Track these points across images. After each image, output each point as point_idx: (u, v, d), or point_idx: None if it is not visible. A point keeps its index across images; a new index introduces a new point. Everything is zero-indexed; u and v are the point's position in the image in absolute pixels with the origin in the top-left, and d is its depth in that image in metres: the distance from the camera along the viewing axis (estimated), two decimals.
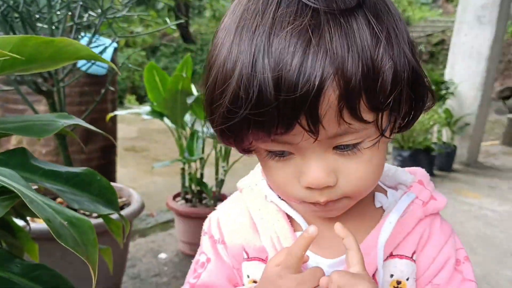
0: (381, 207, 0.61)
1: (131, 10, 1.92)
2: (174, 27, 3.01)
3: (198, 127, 2.55)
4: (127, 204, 2.06)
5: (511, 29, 9.82)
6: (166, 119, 2.48)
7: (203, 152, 2.50)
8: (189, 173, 2.56)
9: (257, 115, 0.44)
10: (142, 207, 2.01)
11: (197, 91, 2.61)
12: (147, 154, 5.41)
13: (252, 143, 0.50)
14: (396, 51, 0.46)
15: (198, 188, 2.56)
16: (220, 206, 0.69)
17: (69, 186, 0.95)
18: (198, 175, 2.57)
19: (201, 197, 2.61)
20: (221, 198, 2.65)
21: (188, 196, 2.61)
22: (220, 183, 2.58)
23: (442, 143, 4.79)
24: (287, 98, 0.43)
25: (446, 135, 4.87)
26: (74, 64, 1.86)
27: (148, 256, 2.54)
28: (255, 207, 0.63)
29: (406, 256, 0.58)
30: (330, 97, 0.43)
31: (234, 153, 2.61)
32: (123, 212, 1.89)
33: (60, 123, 0.94)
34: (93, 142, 3.12)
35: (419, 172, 0.65)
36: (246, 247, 0.62)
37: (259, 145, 0.50)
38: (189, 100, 2.13)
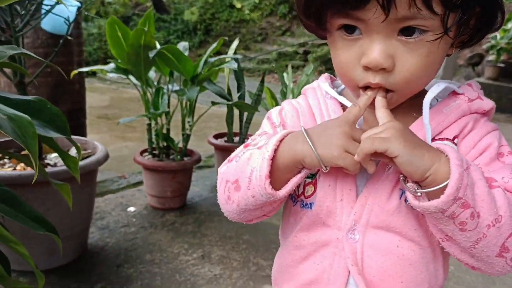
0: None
1: None
2: None
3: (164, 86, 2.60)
4: (91, 155, 2.12)
5: None
6: (131, 77, 2.51)
7: (168, 107, 2.55)
8: (156, 129, 2.61)
9: None
10: (106, 156, 2.06)
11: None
12: (117, 122, 5.40)
13: (328, 20, 0.56)
14: None
15: (165, 143, 2.62)
16: (285, 101, 0.74)
17: (20, 111, 1.00)
18: (165, 131, 2.62)
19: (168, 153, 2.68)
20: (187, 153, 2.73)
21: (155, 152, 2.67)
22: (186, 138, 2.64)
23: None
24: None
25: None
26: (35, 19, 1.88)
27: (117, 209, 2.61)
28: (315, 103, 0.69)
29: (448, 139, 0.61)
30: None
31: (198, 111, 2.65)
32: (87, 160, 1.95)
33: (6, 53, 0.98)
34: (60, 105, 3.13)
35: (471, 81, 0.67)
36: None
37: (335, 20, 0.56)
38: (151, 54, 2.16)
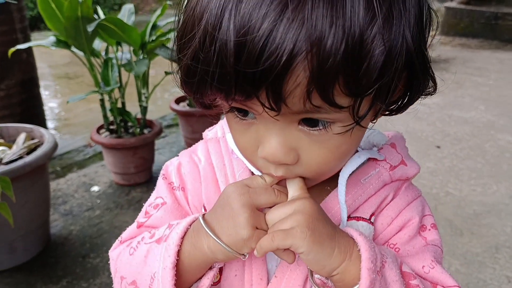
0: None
1: None
2: None
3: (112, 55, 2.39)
4: (39, 145, 1.98)
5: None
6: (75, 49, 2.30)
7: (120, 80, 2.37)
8: (111, 103, 2.45)
9: (215, 80, 0.39)
10: (55, 147, 1.93)
11: (104, 13, 2.41)
12: (81, 81, 5.14)
13: (215, 99, 0.45)
14: (395, 33, 0.38)
15: (121, 117, 2.48)
16: (183, 153, 0.64)
17: None
18: (120, 105, 2.47)
19: (127, 126, 2.54)
20: (148, 124, 2.60)
21: (113, 127, 2.53)
22: (143, 110, 2.50)
23: None
24: (247, 71, 0.37)
25: None
26: None
27: (80, 190, 2.52)
28: (219, 163, 0.59)
29: (364, 218, 0.54)
30: (299, 76, 0.37)
31: (153, 80, 2.49)
32: (34, 154, 1.82)
33: None
34: (9, 77, 2.91)
35: (395, 135, 0.60)
36: (206, 204, 0.58)
37: (222, 101, 0.45)
38: (90, 28, 1.96)
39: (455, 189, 2.49)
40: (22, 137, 2.01)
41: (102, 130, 2.53)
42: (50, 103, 4.51)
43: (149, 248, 0.52)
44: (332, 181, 0.53)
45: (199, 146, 0.63)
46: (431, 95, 0.48)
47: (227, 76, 0.38)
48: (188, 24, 0.41)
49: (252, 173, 0.56)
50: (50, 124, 3.74)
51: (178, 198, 0.60)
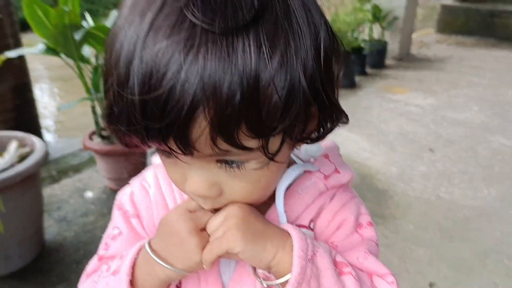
0: None
1: None
2: None
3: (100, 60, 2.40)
4: (30, 153, 1.99)
5: None
6: (64, 56, 2.31)
7: None
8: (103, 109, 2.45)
9: (129, 131, 0.41)
10: (45, 156, 1.94)
11: (94, 17, 2.42)
12: (76, 83, 5.11)
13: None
14: (291, 75, 0.40)
15: None
16: (134, 180, 0.66)
17: None
18: None
19: None
20: None
21: (105, 133, 2.54)
22: None
23: (374, 40, 4.79)
24: (153, 125, 0.39)
25: (376, 31, 4.84)
26: None
27: (74, 196, 2.53)
28: (167, 187, 0.61)
29: (303, 225, 0.57)
30: (201, 124, 0.39)
31: None
32: (25, 164, 1.84)
33: None
34: (1, 83, 2.92)
35: (328, 145, 0.63)
36: None
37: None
38: (77, 37, 1.97)
39: (446, 193, 2.50)
40: (13, 145, 2.02)
41: (95, 136, 2.55)
42: (48, 106, 4.51)
43: (107, 281, 0.55)
44: (273, 195, 0.56)
45: (148, 172, 0.65)
46: (346, 123, 0.50)
47: (137, 127, 0.40)
48: (107, 71, 0.43)
49: None
50: (47, 127, 3.75)
51: (134, 226, 0.62)
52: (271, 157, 0.43)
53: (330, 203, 0.58)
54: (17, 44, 2.93)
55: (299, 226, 0.56)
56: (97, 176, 2.73)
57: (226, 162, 0.45)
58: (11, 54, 2.28)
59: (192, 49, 0.37)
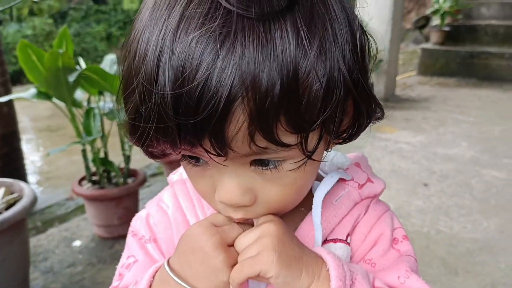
0: None
1: None
2: None
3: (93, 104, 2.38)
4: (19, 199, 1.91)
5: None
6: (55, 100, 2.28)
7: (102, 129, 2.34)
8: (94, 153, 2.40)
9: (158, 133, 0.38)
10: (34, 201, 1.87)
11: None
12: (63, 133, 5.08)
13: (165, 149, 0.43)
14: (330, 66, 0.38)
15: (104, 168, 2.43)
16: (150, 203, 0.62)
17: None
18: (102, 155, 2.42)
19: (110, 177, 2.49)
20: (131, 174, 2.55)
21: (95, 178, 2.47)
22: (127, 159, 2.46)
23: None
24: (187, 122, 0.36)
25: None
26: None
27: (61, 246, 2.42)
28: (188, 203, 0.58)
29: (341, 240, 0.54)
30: (239, 120, 0.36)
31: None
32: (12, 210, 1.76)
33: None
34: None
35: (358, 156, 0.61)
36: None
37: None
38: (71, 79, 1.95)
39: (445, 227, 2.45)
40: (0, 192, 1.95)
41: (84, 182, 2.47)
42: (32, 157, 4.43)
43: None
44: (305, 203, 0.52)
45: (165, 192, 0.62)
46: (381, 119, 0.48)
47: (169, 128, 0.37)
48: (129, 77, 0.41)
49: None
50: (31, 178, 3.65)
51: (150, 252, 0.58)
52: (309, 155, 0.41)
53: (366, 215, 0.55)
54: (7, 93, 2.91)
55: (336, 240, 0.53)
56: (85, 224, 2.63)
57: (262, 163, 0.42)
58: (1, 99, 2.25)
59: (229, 36, 0.35)
